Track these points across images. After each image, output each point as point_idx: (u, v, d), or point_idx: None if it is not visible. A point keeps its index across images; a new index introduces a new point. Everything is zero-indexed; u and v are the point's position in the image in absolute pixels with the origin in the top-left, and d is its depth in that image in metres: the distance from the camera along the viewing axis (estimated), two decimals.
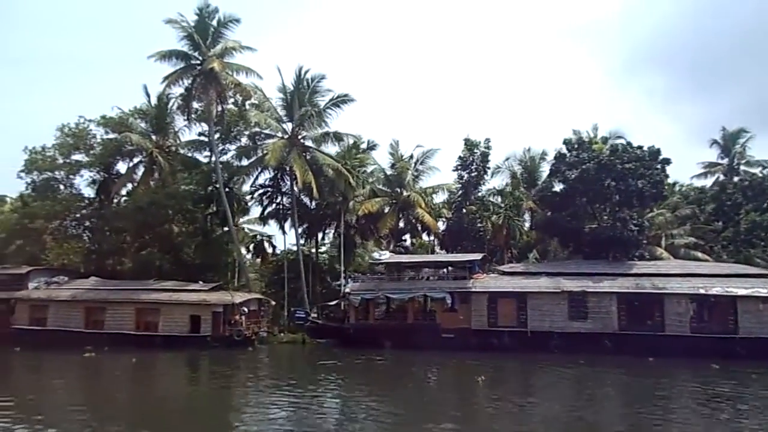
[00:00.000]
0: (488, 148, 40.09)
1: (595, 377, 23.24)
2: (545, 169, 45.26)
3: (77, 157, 40.75)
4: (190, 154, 42.11)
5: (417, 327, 32.22)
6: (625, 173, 31.29)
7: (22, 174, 40.43)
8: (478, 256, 33.95)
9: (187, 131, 42.35)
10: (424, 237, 44.68)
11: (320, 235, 44.80)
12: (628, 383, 22.01)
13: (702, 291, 28.36)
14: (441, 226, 43.37)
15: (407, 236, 45.69)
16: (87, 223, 41.64)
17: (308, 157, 38.16)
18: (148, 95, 41.27)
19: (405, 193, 41.67)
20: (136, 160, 41.39)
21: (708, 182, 48.30)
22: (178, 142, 42.67)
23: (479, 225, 38.80)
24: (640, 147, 32.80)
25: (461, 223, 39.18)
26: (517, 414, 16.20)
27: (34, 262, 39.49)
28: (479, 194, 41.18)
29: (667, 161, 32.41)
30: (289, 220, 41.18)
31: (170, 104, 40.35)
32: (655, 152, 32.38)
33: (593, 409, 17.20)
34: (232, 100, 39.17)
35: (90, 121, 40.59)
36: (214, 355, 30.20)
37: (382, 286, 34.12)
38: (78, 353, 29.03)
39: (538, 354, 27.70)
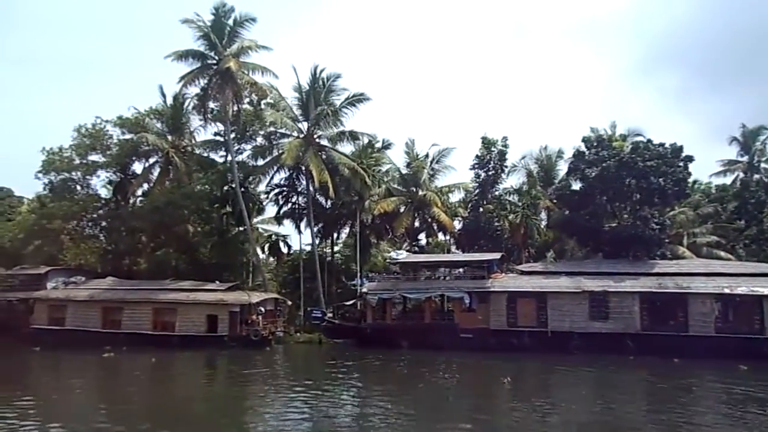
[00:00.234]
0: (506, 146, 39.68)
1: (620, 378, 22.80)
2: (562, 168, 44.85)
3: (94, 157, 40.96)
4: (205, 154, 42.15)
5: (435, 327, 31.93)
6: (647, 171, 30.72)
7: (40, 175, 40.70)
8: (496, 256, 33.58)
9: (203, 131, 42.55)
10: (440, 236, 44.33)
11: (335, 235, 44.60)
12: (654, 384, 21.55)
13: (727, 290, 27.79)
14: (457, 225, 42.99)
15: (422, 235, 45.43)
16: (103, 224, 41.81)
17: (324, 157, 38.03)
18: (163, 95, 41.51)
19: (421, 193, 41.36)
20: (152, 160, 41.57)
21: (727, 180, 47.56)
22: (193, 142, 42.78)
23: (497, 224, 38.37)
24: (661, 144, 32.22)
25: (478, 222, 38.78)
26: (544, 416, 15.87)
27: (52, 262, 39.79)
28: (496, 193, 40.70)
29: (689, 158, 31.81)
30: (304, 220, 41.02)
31: (186, 104, 40.42)
32: (677, 149, 31.79)
33: (621, 411, 16.81)
34: (247, 99, 39.13)
35: (106, 121, 40.81)
36: (232, 354, 30.11)
37: (399, 286, 33.86)
38: (97, 353, 29.10)
39: (559, 355, 27.28)
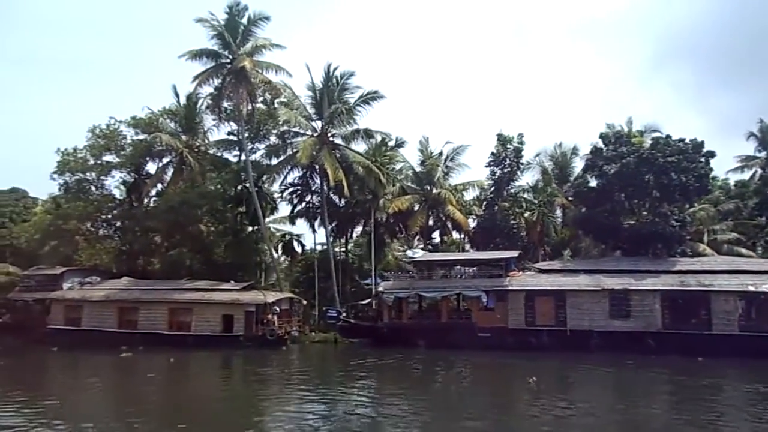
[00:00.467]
0: (521, 143, 39.24)
1: (643, 378, 22.39)
2: (577, 165, 44.37)
3: (108, 158, 40.98)
4: (219, 154, 42.11)
5: (452, 326, 31.64)
6: (668, 167, 30.21)
7: (55, 176, 40.79)
8: (514, 254, 33.25)
9: (216, 131, 42.51)
10: (454, 235, 44.01)
11: (349, 234, 44.38)
12: (678, 384, 21.15)
13: (752, 288, 27.29)
14: (471, 223, 42.64)
15: (436, 234, 45.12)
16: (118, 224, 41.85)
17: (338, 155, 37.83)
18: (177, 95, 41.54)
19: (435, 191, 41.06)
20: (165, 160, 41.63)
21: (745, 176, 46.79)
22: (207, 141, 42.75)
23: (512, 222, 37.98)
24: (681, 140, 31.69)
25: (494, 220, 38.40)
26: (569, 416, 15.51)
27: (67, 262, 39.91)
28: (512, 191, 40.28)
29: (711, 154, 31.26)
30: (318, 219, 40.85)
31: (199, 104, 40.39)
32: (698, 145, 31.24)
33: (646, 410, 16.44)
34: (261, 98, 39.03)
35: (120, 122, 40.84)
36: (248, 354, 30.03)
37: (416, 285, 33.61)
38: (113, 353, 29.16)
39: (578, 353, 26.94)
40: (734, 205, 39.22)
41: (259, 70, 35.82)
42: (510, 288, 30.80)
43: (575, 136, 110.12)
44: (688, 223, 32.95)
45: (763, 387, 18.90)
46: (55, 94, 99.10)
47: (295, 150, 37.38)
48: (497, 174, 39.24)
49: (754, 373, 21.86)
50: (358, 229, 45.39)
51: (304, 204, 41.84)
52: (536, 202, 39.26)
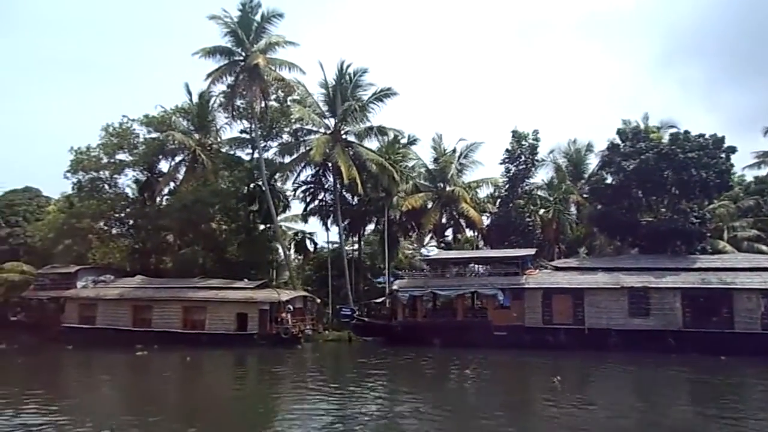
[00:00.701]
0: (536, 139, 38.80)
1: (665, 376, 22.03)
2: (592, 161, 43.93)
3: (121, 156, 40.99)
4: (231, 152, 42.01)
5: (468, 324, 31.32)
6: (688, 162, 29.71)
7: (68, 174, 40.85)
8: (531, 252, 32.87)
9: (228, 129, 42.42)
10: (468, 232, 43.67)
11: (362, 232, 44.14)
12: (701, 383, 20.79)
13: None
14: (485, 221, 42.26)
15: (448, 232, 44.79)
16: (131, 222, 41.85)
17: (351, 153, 37.58)
18: (189, 93, 41.45)
19: (448, 188, 40.71)
20: (178, 158, 41.58)
21: (762, 172, 45.99)
22: (219, 139, 42.67)
23: (528, 219, 37.57)
24: (701, 135, 31.17)
25: (509, 218, 37.99)
26: (593, 416, 15.18)
27: (81, 261, 40.03)
28: (526, 188, 39.83)
29: (732, 150, 30.71)
30: (331, 217, 40.64)
31: (212, 102, 40.30)
32: (719, 140, 30.68)
33: (670, 409, 16.11)
34: (274, 96, 38.84)
35: (133, 120, 40.85)
36: (263, 353, 29.87)
37: (431, 283, 33.32)
38: (129, 352, 29.11)
39: (597, 352, 26.58)
40: (754, 202, 38.59)
41: (273, 68, 35.65)
42: (527, 286, 30.44)
43: (583, 133, 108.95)
44: (708, 220, 32.41)
45: None
46: (65, 93, 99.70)
47: (308, 148, 37.19)
48: (512, 171, 38.81)
49: None
50: (370, 227, 45.19)
51: (316, 202, 41.61)
52: (551, 199, 38.81)
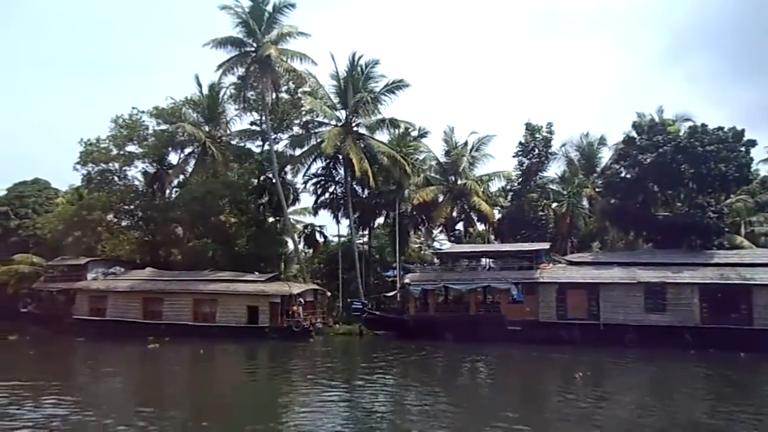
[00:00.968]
0: (550, 132, 38.24)
1: (684, 373, 21.77)
2: (605, 155, 43.43)
3: (131, 148, 40.78)
4: (242, 144, 41.71)
5: (481, 319, 30.99)
6: (707, 156, 29.20)
7: (78, 166, 40.68)
8: (545, 246, 32.49)
9: (238, 121, 42.10)
10: (479, 226, 43.28)
11: (371, 225, 43.80)
12: (722, 380, 20.42)
13: None
14: (496, 214, 41.84)
15: (459, 225, 44.38)
16: (140, 214, 41.67)
17: (362, 145, 37.20)
18: (199, 85, 41.12)
19: (460, 182, 40.30)
20: (187, 150, 41.34)
21: None
22: (229, 131, 42.37)
23: (541, 213, 37.14)
24: (720, 128, 30.63)
25: (521, 212, 37.56)
26: (624, 415, 14.83)
27: (90, 253, 39.93)
28: (539, 181, 39.31)
29: (752, 143, 30.15)
30: (341, 210, 40.31)
31: (222, 93, 39.96)
32: (738, 133, 30.14)
33: (692, 406, 15.81)
34: (285, 87, 38.46)
35: (142, 112, 40.58)
36: (275, 346, 29.69)
37: (444, 277, 32.99)
38: (140, 344, 29.02)
39: (612, 348, 26.22)
40: None
41: (284, 59, 35.23)
42: (541, 281, 30.10)
43: (592, 127, 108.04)
44: (726, 214, 31.91)
45: None
46: (73, 86, 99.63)
47: (319, 140, 36.85)
48: (525, 164, 38.32)
49: None
50: (379, 220, 44.82)
51: (327, 195, 41.24)
52: (565, 193, 38.31)
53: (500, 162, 75.10)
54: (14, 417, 12.68)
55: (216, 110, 40.84)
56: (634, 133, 33.59)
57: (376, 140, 37.92)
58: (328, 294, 37.76)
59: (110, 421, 12.89)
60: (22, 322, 39.23)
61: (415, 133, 40.89)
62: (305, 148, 38.68)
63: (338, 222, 41.74)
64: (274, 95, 36.78)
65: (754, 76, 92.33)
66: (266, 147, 39.03)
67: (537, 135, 37.86)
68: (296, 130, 40.50)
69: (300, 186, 41.98)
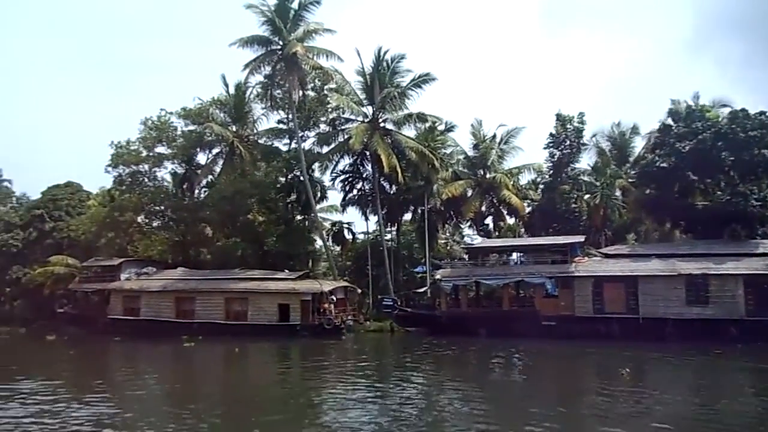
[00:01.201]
0: (582, 122, 37.43)
1: (735, 367, 20.90)
2: (637, 145, 42.40)
3: (160, 149, 41.19)
4: (269, 143, 41.77)
5: (515, 314, 30.48)
6: (749, 142, 28.11)
7: (109, 168, 41.25)
8: (580, 239, 31.75)
9: (265, 120, 42.18)
10: (509, 220, 42.62)
11: (399, 221, 43.47)
12: None
13: None
14: (526, 208, 41.10)
15: (488, 220, 43.77)
16: (171, 215, 42.08)
17: (390, 141, 36.88)
18: (226, 85, 41.32)
19: (489, 175, 39.70)
20: (215, 150, 41.56)
21: None
22: (255, 131, 42.48)
23: (574, 205, 36.32)
24: (762, 113, 29.47)
25: (552, 204, 36.81)
26: (678, 410, 14.19)
27: (123, 253, 40.48)
28: (571, 173, 38.42)
29: None
30: (370, 206, 40.07)
31: (248, 93, 40.06)
32: None
33: (745, 403, 15.03)
34: (311, 85, 38.36)
35: (170, 113, 40.92)
36: (308, 344, 29.58)
37: (476, 272, 32.52)
38: (175, 343, 29.28)
39: (652, 343, 25.42)
40: None
41: (311, 56, 35.11)
42: (576, 274, 29.42)
43: (616, 116, 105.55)
44: None
45: None
46: (100, 88, 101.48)
47: (346, 137, 36.65)
48: (556, 156, 37.49)
49: None
50: (406, 216, 44.46)
51: (355, 191, 41.06)
52: (598, 184, 37.39)
53: (529, 154, 74.09)
54: (66, 416, 12.79)
55: (243, 110, 40.96)
56: (670, 121, 32.63)
57: (404, 135, 37.58)
58: (359, 291, 37.56)
59: (156, 419, 12.88)
60: (58, 322, 40.03)
61: (441, 128, 40.45)
62: (332, 146, 38.56)
63: (366, 219, 41.59)
64: (300, 93, 36.69)
65: None
66: (293, 145, 39.06)
67: (568, 126, 37.02)
68: (323, 127, 40.43)
69: (327, 183, 41.99)
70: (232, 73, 50.20)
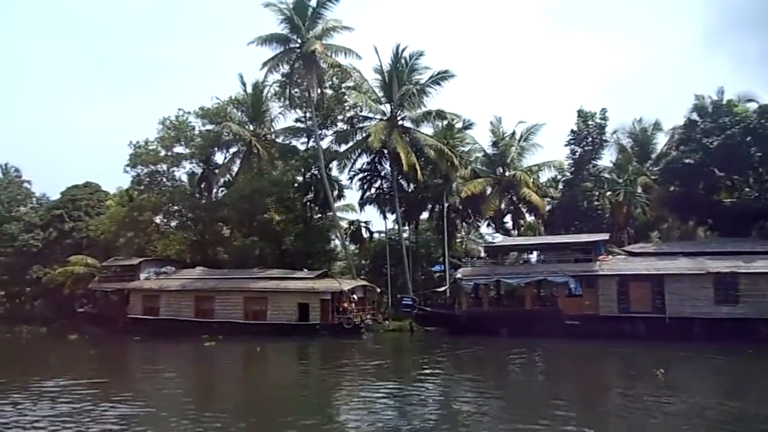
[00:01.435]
0: (604, 119, 36.76)
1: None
2: (660, 141, 41.65)
3: (178, 149, 41.26)
4: (286, 141, 41.68)
5: (538, 314, 29.99)
6: None
7: (128, 168, 41.41)
8: (604, 236, 31.18)
9: (282, 118, 42.08)
10: (528, 218, 42.09)
11: (417, 220, 43.16)
12: None
13: None
14: (546, 205, 40.55)
15: (508, 218, 43.27)
16: (189, 214, 42.16)
17: (408, 139, 36.56)
18: (243, 84, 41.26)
19: (509, 173, 39.23)
20: (233, 150, 41.53)
21: None
22: (273, 129, 42.41)
23: (596, 203, 35.71)
24: None
25: (574, 202, 36.21)
26: (725, 414, 13.67)
27: (142, 253, 40.61)
28: (592, 170, 37.76)
29: None
30: (388, 205, 39.78)
31: (265, 92, 39.96)
32: None
33: None
34: (329, 83, 38.16)
35: (188, 113, 40.97)
36: (327, 343, 29.39)
37: (497, 271, 32.09)
38: (196, 342, 29.23)
39: (680, 343, 24.77)
40: None
41: (329, 54, 34.92)
42: (601, 273, 28.88)
43: (633, 113, 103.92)
44: None
45: None
46: (117, 88, 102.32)
47: (365, 134, 36.37)
48: (578, 153, 36.88)
49: None
50: (424, 215, 44.12)
51: (373, 190, 40.79)
52: (620, 181, 36.73)
53: (549, 151, 73.16)
54: (96, 415, 12.72)
55: (260, 109, 40.89)
56: (695, 116, 31.90)
57: (422, 133, 37.23)
58: (378, 290, 37.32)
59: (187, 419, 12.75)
60: (78, 321, 40.35)
61: (459, 125, 40.04)
62: (350, 144, 38.32)
63: (385, 217, 41.33)
64: (318, 91, 36.48)
65: None
66: (311, 143, 38.90)
67: (590, 122, 36.38)
68: (340, 125, 40.19)
69: (344, 182, 41.78)
70: (250, 73, 50.33)
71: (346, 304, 32.42)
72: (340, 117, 40.10)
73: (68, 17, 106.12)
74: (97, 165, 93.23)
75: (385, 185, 40.10)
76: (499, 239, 34.61)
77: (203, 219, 40.67)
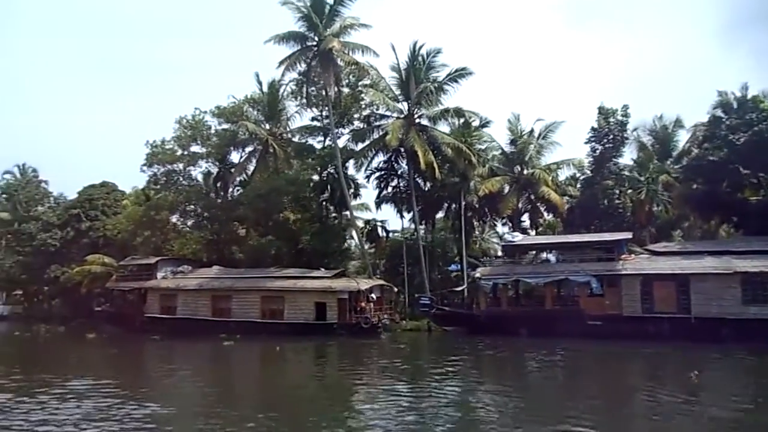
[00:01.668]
0: (626, 115, 36.10)
1: None
2: (681, 138, 40.97)
3: (194, 148, 41.31)
4: (302, 140, 41.54)
5: (558, 313, 29.56)
6: None
7: (144, 167, 41.57)
8: (627, 235, 30.63)
9: (298, 117, 41.95)
10: (546, 216, 41.58)
11: (434, 219, 42.82)
12: None
13: None
14: (565, 204, 40.01)
15: (525, 216, 42.78)
16: (206, 213, 42.18)
17: (425, 137, 36.22)
18: (259, 83, 41.18)
19: (527, 171, 38.75)
20: (249, 149, 41.47)
21: None
22: (289, 128, 42.30)
23: (617, 201, 35.14)
24: None
25: (594, 200, 35.65)
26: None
27: (158, 252, 40.70)
28: (613, 168, 37.15)
29: None
30: (404, 204, 39.48)
31: (281, 90, 39.86)
32: None
33: None
34: (345, 81, 37.95)
35: (204, 112, 41.01)
36: (346, 343, 29.20)
37: (517, 270, 31.67)
38: (214, 342, 29.15)
39: (707, 344, 24.19)
40: None
41: (346, 51, 34.70)
42: (624, 272, 28.37)
43: (650, 109, 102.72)
44: None
45: None
46: (132, 88, 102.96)
47: (382, 133, 36.10)
48: (598, 150, 36.31)
49: None
50: (440, 213, 43.74)
51: (389, 188, 40.49)
52: (642, 179, 36.10)
53: (568, 149, 72.19)
54: (123, 415, 12.60)
55: (276, 107, 40.82)
56: (719, 113, 31.25)
57: (440, 131, 36.88)
58: (396, 289, 37.04)
59: (213, 419, 12.59)
60: (96, 320, 40.55)
61: (476, 123, 39.62)
62: (367, 142, 38.06)
63: (401, 216, 41.06)
64: (335, 89, 36.27)
65: None
66: (327, 142, 38.72)
67: (611, 119, 35.81)
68: (357, 124, 39.98)
69: (361, 181, 41.54)
70: (266, 71, 50.34)
71: (363, 304, 32.21)
72: (356, 115, 39.89)
73: (92, 18, 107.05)
74: (111, 165, 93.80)
75: (401, 184, 39.78)
76: (519, 238, 34.08)
77: (219, 218, 40.68)
